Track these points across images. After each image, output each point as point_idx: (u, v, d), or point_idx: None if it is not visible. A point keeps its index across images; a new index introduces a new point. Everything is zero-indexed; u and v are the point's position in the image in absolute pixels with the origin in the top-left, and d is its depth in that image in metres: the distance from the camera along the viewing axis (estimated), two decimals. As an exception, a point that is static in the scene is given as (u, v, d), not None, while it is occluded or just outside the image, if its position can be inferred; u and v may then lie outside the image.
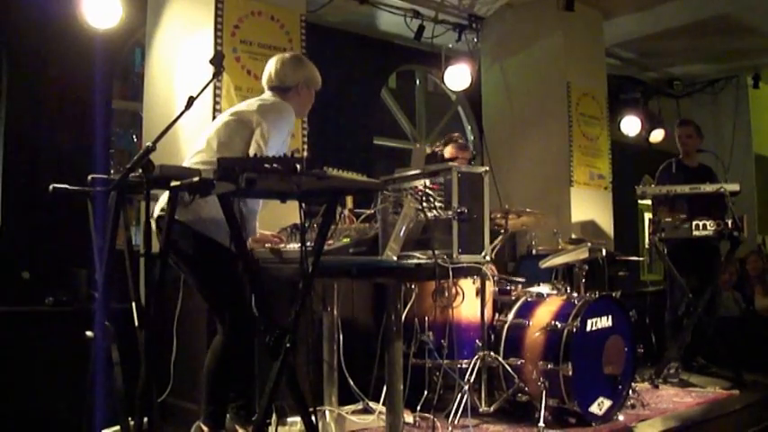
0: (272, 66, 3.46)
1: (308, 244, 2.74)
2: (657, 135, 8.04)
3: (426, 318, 4.00)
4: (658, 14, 6.59)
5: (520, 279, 4.48)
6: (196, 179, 2.50)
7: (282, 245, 3.36)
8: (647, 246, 7.33)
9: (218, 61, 2.97)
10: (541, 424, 3.66)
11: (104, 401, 2.76)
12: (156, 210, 3.11)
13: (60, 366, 3.82)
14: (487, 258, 3.31)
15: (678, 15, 6.60)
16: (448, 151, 4.86)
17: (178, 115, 2.73)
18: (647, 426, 3.93)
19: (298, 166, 2.35)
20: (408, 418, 3.68)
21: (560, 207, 6.13)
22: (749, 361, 5.38)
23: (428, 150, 4.90)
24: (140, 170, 2.45)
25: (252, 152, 3.06)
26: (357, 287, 4.35)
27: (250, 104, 3.33)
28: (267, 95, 3.44)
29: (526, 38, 6.56)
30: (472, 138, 7.71)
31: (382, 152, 7.19)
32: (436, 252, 3.05)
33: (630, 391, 4.16)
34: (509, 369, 3.95)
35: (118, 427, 2.85)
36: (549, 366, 3.84)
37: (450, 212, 3.20)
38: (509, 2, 6.46)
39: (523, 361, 3.98)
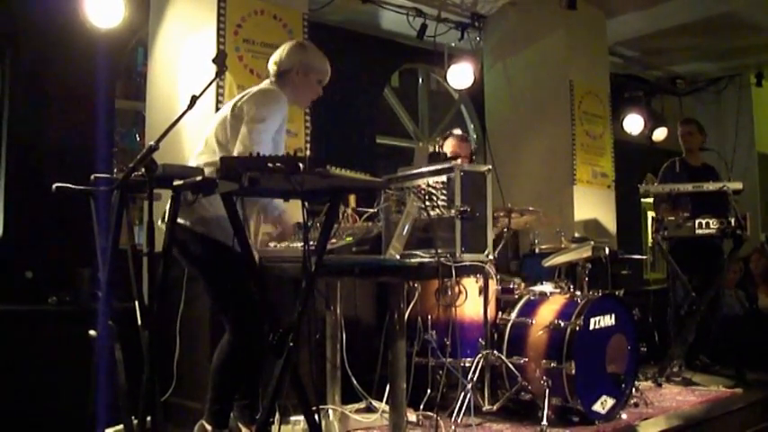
0: (277, 50, 3.44)
1: (311, 243, 2.74)
2: (660, 133, 8.04)
3: (429, 316, 3.99)
4: (661, 13, 6.58)
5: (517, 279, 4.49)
6: (199, 178, 2.50)
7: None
8: (650, 244, 7.32)
9: (220, 60, 2.96)
10: (544, 423, 3.65)
11: (107, 401, 2.77)
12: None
13: (63, 366, 3.83)
14: (490, 257, 3.31)
15: (681, 13, 6.59)
16: (450, 145, 4.85)
17: (181, 114, 2.73)
18: (651, 424, 3.92)
19: (300, 165, 2.35)
20: (411, 416, 3.67)
21: (563, 205, 6.13)
22: (752, 360, 5.38)
23: (431, 149, 4.89)
24: (143, 169, 2.45)
25: (238, 147, 3.03)
26: (360, 286, 4.36)
27: (243, 94, 3.29)
28: (264, 83, 3.41)
29: (529, 36, 6.56)
30: (475, 136, 7.70)
31: (385, 151, 7.19)
32: (439, 251, 3.06)
33: (634, 390, 4.15)
34: (512, 368, 3.95)
35: (121, 427, 2.85)
36: (553, 365, 3.84)
37: (452, 211, 3.21)
38: (512, 0, 6.45)
39: (526, 359, 3.98)
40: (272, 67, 3.40)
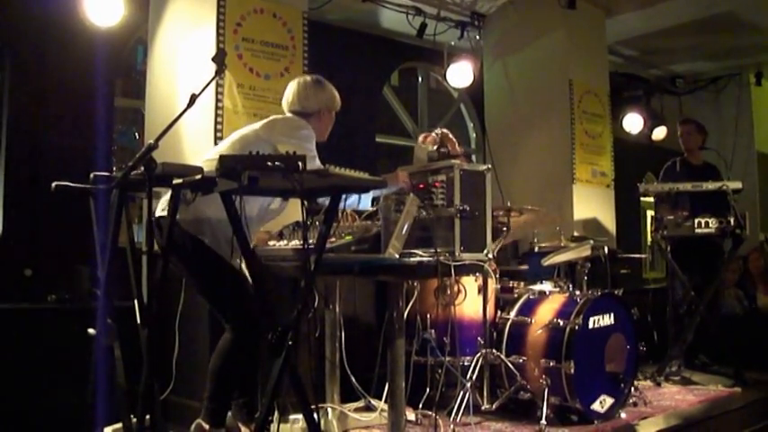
0: (292, 89, 3.44)
1: (311, 242, 2.74)
2: (660, 133, 8.03)
3: (428, 315, 3.99)
4: (661, 12, 6.57)
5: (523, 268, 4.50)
6: (198, 176, 2.50)
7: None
8: (649, 243, 7.32)
9: (220, 59, 2.96)
10: (543, 422, 3.66)
11: (106, 399, 2.77)
12: (158, 210, 3.10)
13: (62, 364, 3.83)
14: (489, 256, 3.31)
15: (680, 13, 6.59)
16: (420, 139, 4.84)
17: (180, 113, 2.73)
18: (649, 423, 3.93)
19: (300, 164, 2.35)
20: (410, 415, 3.68)
21: (562, 204, 6.12)
22: (751, 359, 5.38)
23: (430, 148, 4.88)
24: (142, 168, 2.45)
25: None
26: (359, 285, 4.36)
27: (273, 122, 3.30)
28: (293, 117, 3.41)
29: (528, 35, 6.56)
30: (474, 135, 7.70)
31: (384, 150, 7.19)
32: (438, 250, 3.06)
33: (632, 389, 4.16)
34: (511, 367, 3.95)
35: (120, 425, 2.85)
36: (552, 364, 3.84)
37: (452, 210, 3.21)
38: (511, -1, 6.46)
39: (525, 358, 3.98)
40: (294, 105, 3.42)
